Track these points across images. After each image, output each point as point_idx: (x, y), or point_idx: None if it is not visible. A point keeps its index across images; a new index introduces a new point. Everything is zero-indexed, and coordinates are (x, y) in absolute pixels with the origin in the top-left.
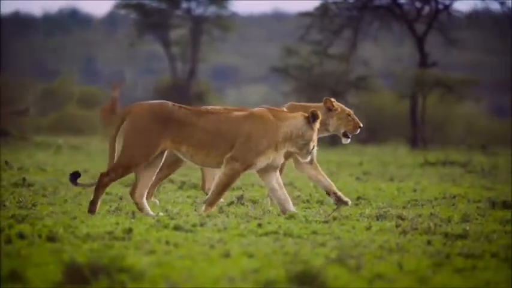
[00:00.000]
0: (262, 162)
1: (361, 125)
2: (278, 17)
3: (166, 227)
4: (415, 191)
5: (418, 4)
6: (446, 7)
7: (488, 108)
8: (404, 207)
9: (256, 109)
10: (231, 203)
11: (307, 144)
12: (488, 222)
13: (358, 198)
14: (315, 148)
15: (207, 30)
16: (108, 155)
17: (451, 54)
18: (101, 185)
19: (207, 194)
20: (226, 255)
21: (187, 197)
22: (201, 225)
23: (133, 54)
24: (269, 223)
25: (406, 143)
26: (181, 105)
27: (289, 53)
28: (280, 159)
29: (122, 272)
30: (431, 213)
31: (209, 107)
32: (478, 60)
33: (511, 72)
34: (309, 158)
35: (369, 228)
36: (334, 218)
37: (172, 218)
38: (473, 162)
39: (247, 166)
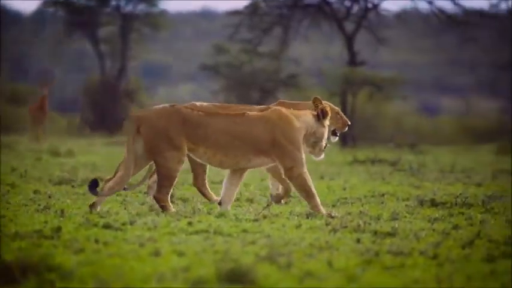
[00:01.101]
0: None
1: (349, 123)
2: (207, 15)
3: (95, 225)
4: (344, 189)
5: (347, 3)
6: (375, 6)
7: (417, 107)
8: (333, 206)
9: (271, 111)
10: None
11: (318, 142)
12: (417, 220)
13: (288, 196)
14: (328, 146)
15: (136, 28)
16: (126, 162)
17: (379, 53)
18: (162, 205)
19: (199, 190)
20: (156, 253)
21: (117, 195)
22: (131, 223)
23: (62, 52)
24: (199, 221)
25: (336, 141)
26: (193, 108)
27: (219, 51)
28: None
29: (51, 271)
30: (360, 211)
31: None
32: (406, 60)
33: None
34: (322, 156)
35: (299, 226)
36: (265, 216)
37: (101, 217)
38: (401, 161)
39: (303, 164)
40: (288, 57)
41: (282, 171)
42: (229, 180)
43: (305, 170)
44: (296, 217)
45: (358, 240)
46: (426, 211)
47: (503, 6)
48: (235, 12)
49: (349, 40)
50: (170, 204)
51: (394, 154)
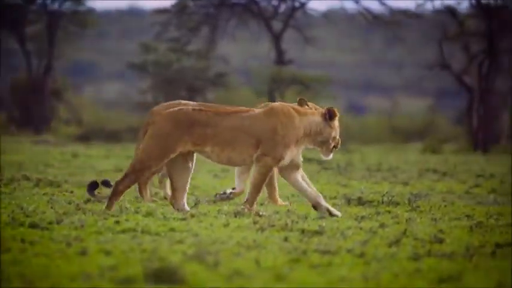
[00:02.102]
0: (289, 156)
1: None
2: (135, 14)
3: (21, 224)
4: None
5: (274, 2)
6: (303, 5)
7: (344, 106)
8: (261, 204)
9: (277, 104)
10: (88, 200)
11: (326, 142)
12: (344, 219)
13: (216, 195)
14: (339, 146)
15: (63, 26)
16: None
17: (307, 53)
18: (115, 193)
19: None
20: (83, 252)
21: (44, 194)
22: (58, 222)
23: None
24: (127, 220)
25: None
26: (201, 108)
27: (146, 49)
28: (300, 157)
29: None
30: (288, 210)
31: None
32: (333, 59)
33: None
34: (330, 156)
35: (226, 225)
36: (192, 215)
37: (28, 216)
38: (329, 159)
39: (278, 160)
40: (216, 56)
41: (256, 153)
42: (300, 189)
43: (275, 165)
44: (224, 216)
45: (286, 239)
46: (353, 209)
47: (429, 6)
48: (162, 11)
49: (277, 39)
50: (120, 197)
51: None
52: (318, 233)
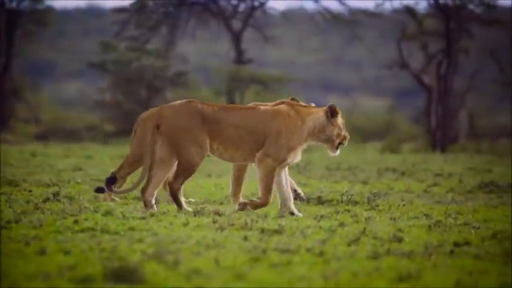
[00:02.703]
0: (292, 158)
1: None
2: (94, 12)
3: None
4: None
5: (234, 1)
6: (262, 4)
7: None
8: (221, 203)
9: (282, 106)
10: (47, 199)
11: (330, 139)
12: (303, 218)
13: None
14: (345, 143)
15: (21, 24)
16: (145, 161)
17: (266, 52)
18: (174, 193)
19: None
20: (42, 252)
21: (2, 193)
22: (16, 222)
23: None
24: (86, 219)
25: None
26: (209, 103)
27: (106, 48)
28: (298, 156)
29: None
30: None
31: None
32: (293, 58)
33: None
34: (337, 153)
35: (186, 224)
36: (152, 214)
37: None
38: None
39: (280, 162)
40: (176, 55)
41: (258, 154)
42: (278, 184)
43: (277, 166)
44: (183, 215)
45: (245, 238)
46: (313, 209)
47: (388, 6)
48: (121, 10)
49: (236, 38)
50: (182, 197)
51: None
52: (278, 232)
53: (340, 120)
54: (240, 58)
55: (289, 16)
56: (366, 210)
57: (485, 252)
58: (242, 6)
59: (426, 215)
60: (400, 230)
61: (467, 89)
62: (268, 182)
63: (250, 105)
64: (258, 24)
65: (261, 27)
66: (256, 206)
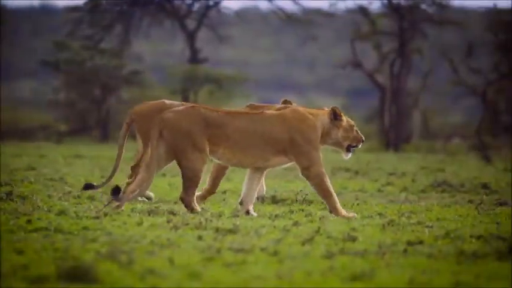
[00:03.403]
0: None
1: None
2: (47, 11)
3: None
4: None
5: (188, 0)
6: (216, 4)
7: None
8: (175, 203)
9: (287, 110)
10: (0, 199)
11: (337, 142)
12: (258, 217)
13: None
14: (360, 145)
15: None
16: (149, 164)
17: (221, 51)
18: (188, 205)
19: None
20: None
21: None
22: None
23: None
24: (39, 219)
25: None
26: (213, 108)
27: (59, 47)
28: None
29: None
30: (202, 208)
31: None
32: (247, 57)
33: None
34: (349, 155)
35: (140, 223)
36: (106, 214)
37: None
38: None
39: (320, 163)
40: (130, 55)
41: (299, 171)
42: (250, 180)
43: (322, 169)
44: (138, 214)
45: (200, 237)
46: (267, 208)
47: (341, 5)
48: (75, 9)
49: (191, 38)
50: (196, 204)
51: None
52: (232, 231)
53: (345, 122)
54: (194, 57)
55: (243, 16)
56: (320, 209)
57: (438, 251)
58: (196, 6)
59: (380, 214)
60: (354, 229)
61: (421, 89)
62: (325, 188)
63: (244, 107)
64: (213, 24)
65: (216, 27)
66: (337, 214)
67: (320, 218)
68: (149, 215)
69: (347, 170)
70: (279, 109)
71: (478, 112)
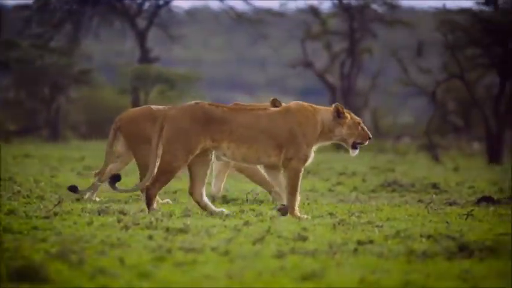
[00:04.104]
0: (312, 154)
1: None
2: None
3: None
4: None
5: (138, 0)
6: (167, 3)
7: None
8: (126, 202)
9: (293, 103)
10: None
11: (342, 139)
12: (208, 217)
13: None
14: (366, 142)
15: None
16: (152, 160)
17: (172, 50)
18: (150, 199)
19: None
20: None
21: None
22: None
23: None
24: None
25: None
26: (218, 104)
27: (8, 46)
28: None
29: None
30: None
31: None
32: (198, 57)
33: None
34: (356, 152)
35: (90, 223)
36: (56, 214)
37: None
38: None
39: (304, 161)
40: (80, 54)
41: (282, 159)
42: (275, 181)
43: (302, 167)
44: (88, 214)
45: (150, 237)
46: (218, 207)
47: (292, 5)
48: (24, 7)
49: (141, 37)
50: (157, 201)
51: None
52: (183, 231)
53: (349, 119)
54: (145, 57)
55: (194, 15)
56: (270, 209)
57: (388, 250)
58: (147, 5)
59: (330, 214)
60: (304, 228)
61: (371, 89)
62: (294, 185)
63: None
64: (163, 23)
65: (166, 26)
66: (290, 213)
67: (271, 218)
68: (99, 214)
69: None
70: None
71: (428, 112)
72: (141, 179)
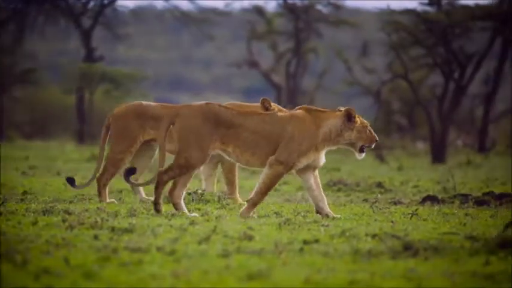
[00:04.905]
0: (303, 162)
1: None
2: None
3: None
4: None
5: None
6: (112, 2)
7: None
8: (71, 202)
9: (297, 110)
10: None
11: (350, 143)
12: (154, 217)
13: (24, 193)
14: (372, 145)
15: None
16: (159, 157)
17: (117, 49)
18: (160, 183)
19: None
20: None
21: None
22: None
23: None
24: None
25: (73, 138)
26: (227, 106)
27: None
28: (321, 159)
29: None
30: (98, 208)
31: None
32: (143, 56)
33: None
34: (363, 156)
35: (35, 223)
36: (0, 214)
37: None
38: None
39: (290, 168)
40: (24, 53)
41: (270, 158)
42: (308, 188)
43: (284, 172)
44: (32, 214)
45: (96, 237)
46: (164, 207)
47: (237, 5)
48: None
49: (86, 36)
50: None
51: None
52: (128, 230)
53: (359, 123)
54: (90, 56)
55: (139, 14)
56: (216, 208)
57: (334, 249)
58: (92, 4)
59: (276, 213)
60: (250, 228)
61: (316, 88)
62: (269, 185)
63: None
64: (108, 22)
65: (111, 25)
66: (249, 207)
67: (216, 217)
68: (44, 214)
69: (243, 168)
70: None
71: (372, 112)
72: (97, 171)
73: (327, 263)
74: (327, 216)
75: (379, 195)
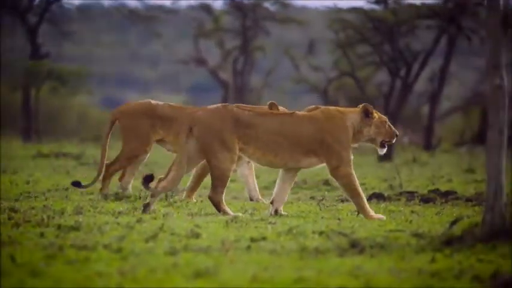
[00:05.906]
0: (351, 156)
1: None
2: None
3: None
4: (28, 183)
5: None
6: None
7: (100, 101)
8: (17, 200)
9: (319, 111)
10: None
11: (371, 139)
12: (101, 214)
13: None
14: (393, 140)
15: None
16: (180, 162)
17: (63, 46)
18: (217, 205)
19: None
20: None
21: None
22: None
23: None
24: None
25: (19, 135)
26: (245, 107)
27: None
28: None
29: None
30: (44, 206)
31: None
32: (90, 53)
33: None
34: (384, 151)
35: None
36: None
37: None
38: (86, 154)
39: (350, 163)
40: None
41: (328, 170)
42: (282, 179)
43: (351, 169)
44: None
45: (42, 235)
46: (110, 205)
47: (184, 2)
48: None
49: (32, 33)
50: (224, 203)
51: (78, 148)
52: (75, 228)
53: (377, 119)
54: (36, 53)
55: (85, 11)
56: (163, 206)
57: (281, 247)
58: (37, 0)
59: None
60: (197, 225)
61: (264, 86)
62: (354, 188)
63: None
64: (54, 19)
65: (58, 22)
66: (367, 216)
67: (164, 215)
68: None
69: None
70: (309, 111)
71: None
72: (102, 166)
73: (274, 261)
74: (276, 212)
75: (326, 192)
